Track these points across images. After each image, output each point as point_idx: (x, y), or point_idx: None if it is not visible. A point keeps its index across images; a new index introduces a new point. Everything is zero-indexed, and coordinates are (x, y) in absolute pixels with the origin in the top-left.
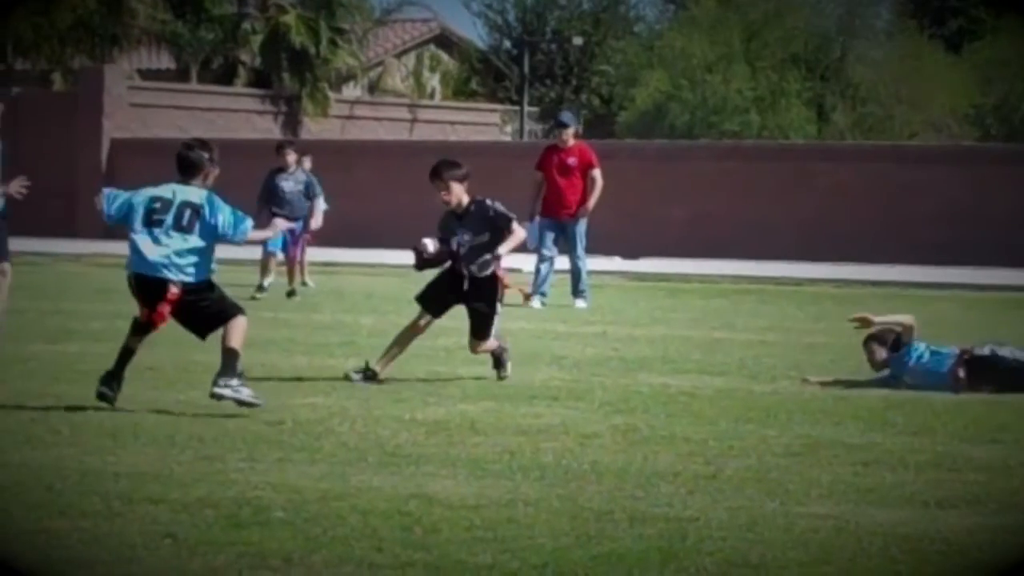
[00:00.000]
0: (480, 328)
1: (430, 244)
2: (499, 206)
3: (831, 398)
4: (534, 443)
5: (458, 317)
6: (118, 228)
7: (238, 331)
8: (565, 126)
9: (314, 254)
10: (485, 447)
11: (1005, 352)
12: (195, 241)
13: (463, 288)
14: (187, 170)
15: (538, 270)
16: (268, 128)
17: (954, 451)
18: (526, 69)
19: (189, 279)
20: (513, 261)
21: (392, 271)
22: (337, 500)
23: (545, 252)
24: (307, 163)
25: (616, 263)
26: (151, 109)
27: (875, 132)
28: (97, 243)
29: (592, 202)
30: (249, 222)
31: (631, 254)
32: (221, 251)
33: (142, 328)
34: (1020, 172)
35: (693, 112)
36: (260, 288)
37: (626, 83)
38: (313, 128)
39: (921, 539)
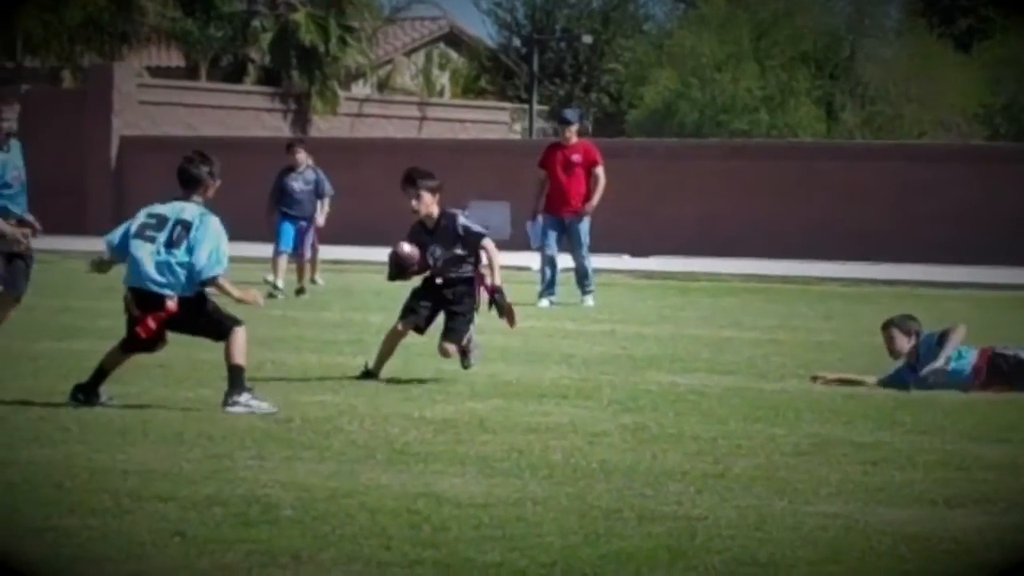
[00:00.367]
0: (452, 331)
1: (406, 246)
2: (468, 222)
3: (840, 397)
4: (543, 441)
5: None
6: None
7: (239, 346)
8: (569, 123)
9: (322, 252)
10: (494, 445)
11: None
12: (182, 256)
13: (440, 293)
14: (188, 184)
15: (544, 272)
16: (277, 126)
17: (963, 450)
18: (535, 67)
19: (184, 293)
20: (520, 260)
21: None
22: (346, 498)
23: (548, 252)
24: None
25: (625, 261)
26: (160, 107)
27: (884, 131)
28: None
29: (596, 199)
30: (221, 270)
31: (640, 252)
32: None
33: (133, 346)
34: None
35: (702, 111)
36: (275, 287)
37: (635, 81)
38: (322, 126)
39: (930, 538)
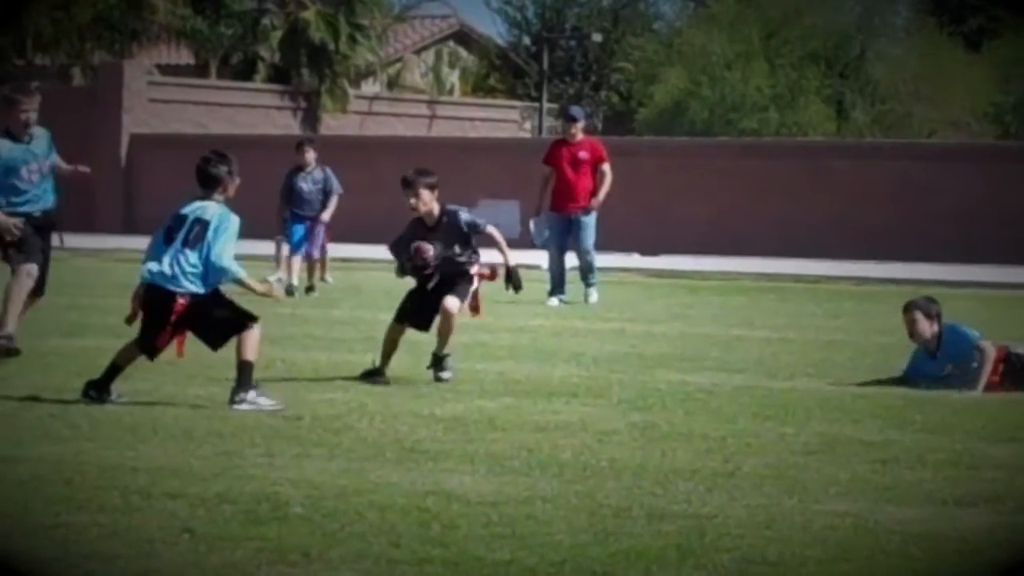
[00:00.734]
0: (454, 291)
1: (430, 249)
2: (469, 216)
3: (849, 396)
4: (552, 440)
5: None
6: (139, 223)
7: (252, 342)
8: (574, 120)
9: (332, 250)
10: (503, 443)
11: None
12: (198, 255)
13: (436, 287)
14: (207, 183)
15: (552, 271)
16: (287, 124)
17: (972, 449)
18: (545, 65)
19: (197, 290)
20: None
21: None
22: (355, 496)
23: (554, 251)
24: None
25: (635, 260)
26: (170, 105)
27: (894, 130)
28: (115, 238)
29: (602, 196)
30: (234, 271)
31: (650, 251)
32: (238, 247)
33: (146, 348)
34: None
35: (712, 109)
36: (290, 287)
37: (645, 80)
38: (332, 124)
39: (939, 537)
